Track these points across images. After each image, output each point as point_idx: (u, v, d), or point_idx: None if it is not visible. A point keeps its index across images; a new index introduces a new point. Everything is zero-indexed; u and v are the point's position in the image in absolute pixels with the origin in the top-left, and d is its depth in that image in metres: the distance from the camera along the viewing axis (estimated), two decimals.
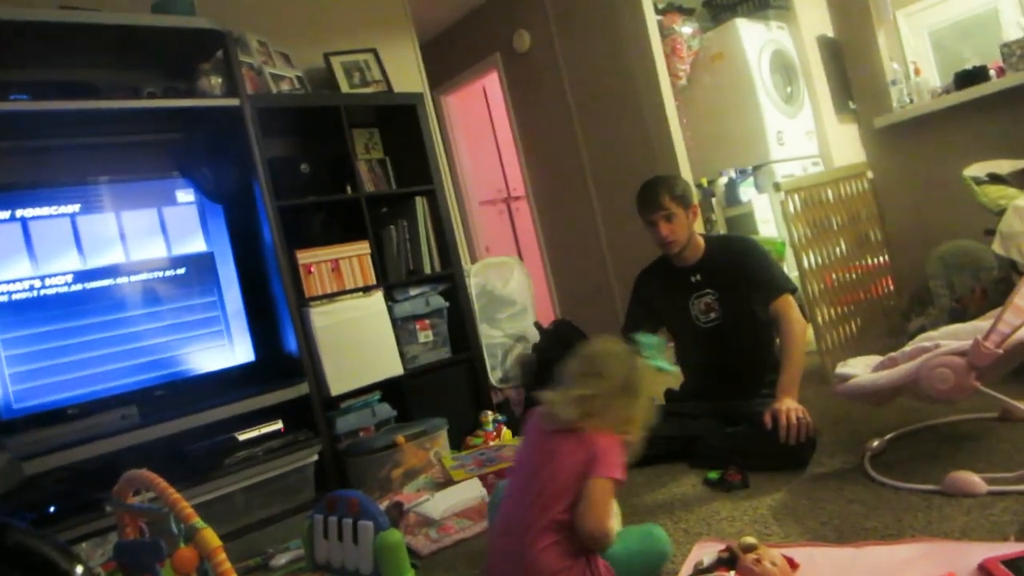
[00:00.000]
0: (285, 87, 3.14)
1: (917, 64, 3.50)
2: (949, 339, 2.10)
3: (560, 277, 5.10)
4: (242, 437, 2.70)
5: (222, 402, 2.63)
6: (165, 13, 2.68)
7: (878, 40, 3.37)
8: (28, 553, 1.03)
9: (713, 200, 4.61)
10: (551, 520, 1.56)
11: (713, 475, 2.27)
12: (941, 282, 3.24)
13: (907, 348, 2.10)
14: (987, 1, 5.54)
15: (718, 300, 2.59)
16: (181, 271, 2.89)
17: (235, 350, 2.96)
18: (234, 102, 2.80)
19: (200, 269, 2.93)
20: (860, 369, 2.21)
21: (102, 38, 2.54)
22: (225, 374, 2.92)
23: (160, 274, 2.84)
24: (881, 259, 3.51)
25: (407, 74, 3.79)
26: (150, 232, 2.84)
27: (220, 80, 2.80)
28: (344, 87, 3.31)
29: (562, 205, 4.95)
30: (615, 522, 1.64)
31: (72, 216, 2.68)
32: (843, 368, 2.23)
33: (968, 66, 3.23)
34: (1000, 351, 1.76)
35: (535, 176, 5.09)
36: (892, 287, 3.53)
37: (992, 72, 3.06)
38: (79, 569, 1.04)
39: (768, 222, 4.56)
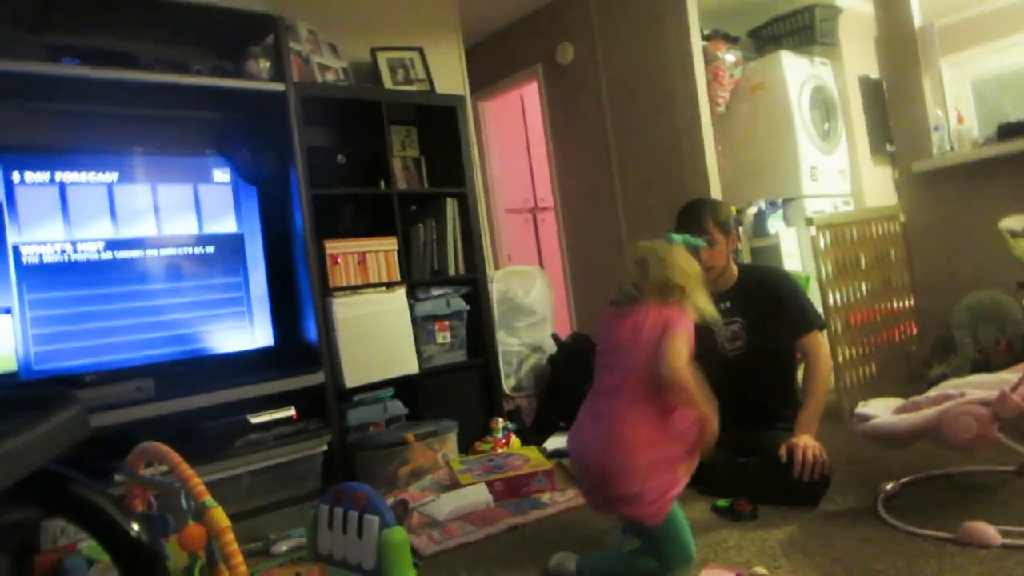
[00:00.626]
0: (330, 77, 3.17)
1: (960, 112, 3.48)
2: (974, 388, 2.08)
3: (580, 292, 5.09)
4: (254, 420, 2.70)
5: (237, 383, 2.65)
6: None
7: (924, 85, 3.35)
8: (89, 507, 1.04)
9: (740, 229, 4.60)
10: (640, 389, 1.77)
11: (723, 503, 2.26)
12: (966, 332, 3.22)
13: (932, 393, 2.09)
14: None
15: (745, 329, 2.57)
16: (210, 249, 2.91)
17: (255, 333, 2.98)
18: (280, 87, 2.83)
19: (229, 249, 2.95)
20: (881, 410, 2.19)
21: (159, 13, 2.58)
22: (243, 356, 2.93)
23: (189, 250, 2.87)
24: (906, 303, 3.48)
25: (450, 75, 3.82)
26: (183, 208, 2.87)
27: (268, 64, 2.82)
28: (387, 83, 3.34)
29: (589, 221, 4.95)
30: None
31: (109, 185, 2.71)
32: (864, 408, 2.21)
33: (1012, 119, 3.21)
34: None
35: (564, 189, 5.09)
36: (914, 332, 3.50)
37: None
38: (136, 527, 1.06)
39: (794, 256, 4.54)
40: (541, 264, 5.65)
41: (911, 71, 3.39)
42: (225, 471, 2.55)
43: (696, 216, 2.56)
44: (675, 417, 1.79)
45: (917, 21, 3.39)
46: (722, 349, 2.60)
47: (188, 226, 2.87)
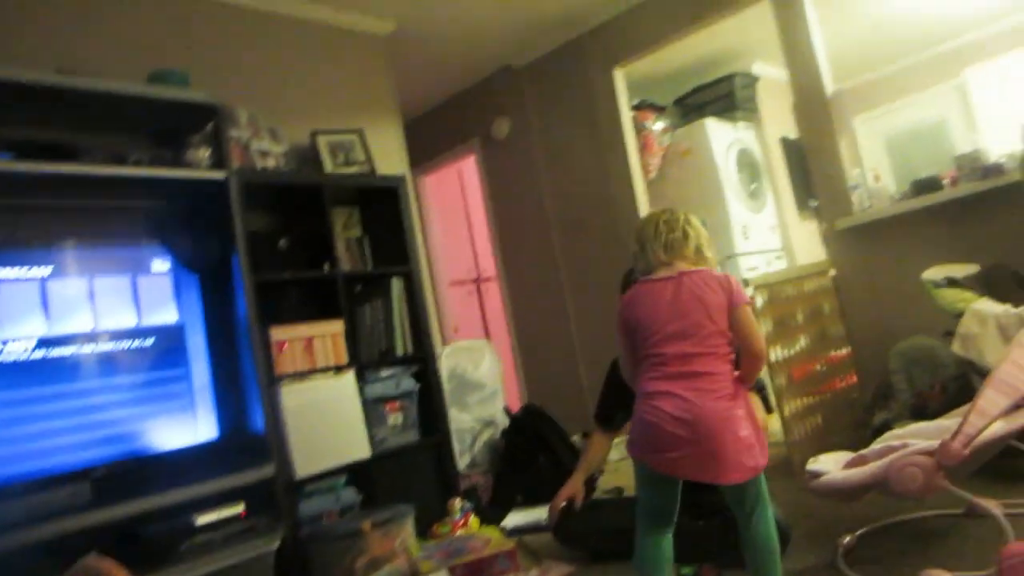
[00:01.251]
0: (271, 162, 3.18)
1: (876, 171, 3.68)
2: (916, 437, 2.15)
3: (528, 361, 5.11)
4: (200, 521, 2.58)
5: (181, 484, 2.53)
6: (162, 83, 2.71)
7: (839, 147, 3.54)
8: None
9: None
10: (722, 350, 1.74)
11: (687, 570, 2.25)
12: (902, 377, 3.33)
13: (876, 446, 2.15)
14: (937, 112, 5.93)
15: None
16: (149, 342, 2.83)
17: (198, 427, 2.89)
18: (220, 175, 2.81)
19: (169, 341, 2.88)
20: (831, 466, 2.24)
21: (96, 103, 2.56)
22: (187, 452, 2.82)
23: (127, 344, 2.78)
24: (844, 352, 3.60)
25: (390, 155, 3.87)
26: (121, 300, 2.79)
27: (208, 152, 2.82)
28: (328, 166, 3.36)
29: (533, 289, 5.01)
30: None
31: (42, 280, 2.63)
32: (814, 464, 2.26)
33: (922, 175, 3.41)
34: (966, 452, 1.81)
35: (507, 259, 5.16)
36: (854, 381, 3.61)
37: (945, 182, 3.23)
38: None
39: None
40: (487, 334, 5.67)
41: (827, 134, 3.59)
42: None
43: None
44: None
45: (829, 88, 3.60)
46: None
47: (126, 319, 2.79)
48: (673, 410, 1.69)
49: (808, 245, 5.32)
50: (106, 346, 2.72)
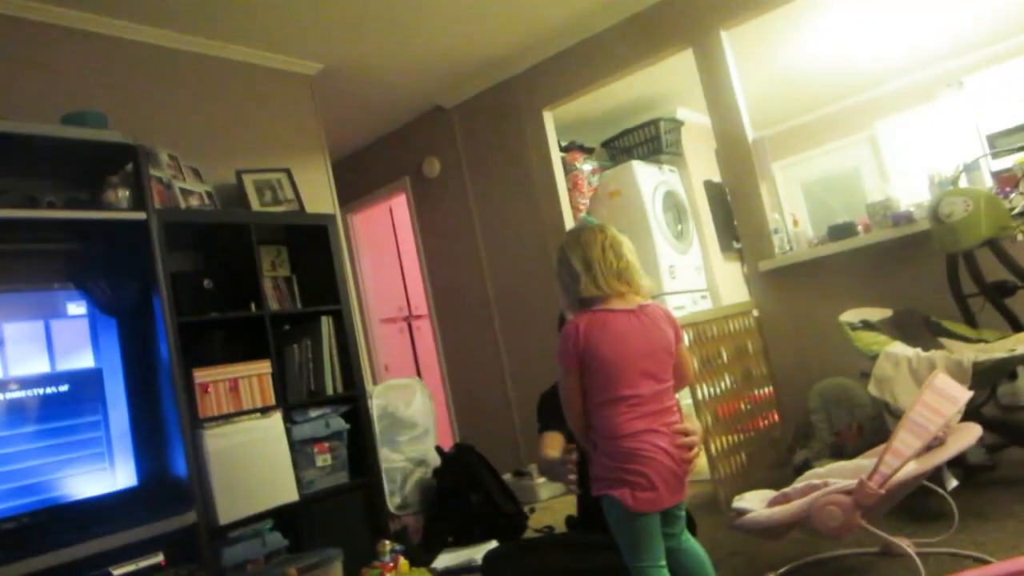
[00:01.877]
0: (194, 202, 3.11)
1: (796, 216, 3.84)
2: (836, 476, 2.23)
3: (460, 399, 5.09)
4: (117, 572, 2.47)
5: (98, 534, 2.42)
6: (77, 125, 2.64)
7: (760, 191, 3.69)
8: None
9: None
10: (673, 390, 1.80)
11: None
12: (821, 416, 3.45)
13: (798, 484, 2.21)
14: (851, 160, 6.26)
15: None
16: (64, 388, 2.71)
17: (116, 475, 2.76)
18: (140, 216, 2.73)
19: (85, 386, 2.76)
20: (756, 504, 2.29)
21: (8, 146, 2.47)
22: (103, 501, 2.69)
23: (39, 391, 2.65)
24: (767, 391, 3.71)
25: (318, 193, 3.84)
26: (33, 346, 2.67)
27: (127, 193, 2.74)
28: (255, 204, 3.31)
29: (464, 326, 5.01)
30: None
31: None
32: (739, 503, 2.31)
33: (838, 220, 3.58)
34: (882, 491, 1.88)
35: (439, 297, 5.16)
36: (777, 419, 3.72)
37: (860, 228, 3.40)
38: None
39: None
40: (418, 371, 5.63)
41: (749, 179, 3.73)
42: None
43: None
44: None
45: (750, 134, 3.76)
46: None
47: (38, 365, 2.67)
48: (666, 445, 1.71)
49: (732, 285, 5.49)
50: (17, 393, 2.59)
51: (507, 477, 3.90)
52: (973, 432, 2.03)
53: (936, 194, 2.99)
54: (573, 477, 2.17)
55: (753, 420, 3.57)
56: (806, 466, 3.26)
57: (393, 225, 5.85)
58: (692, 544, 1.83)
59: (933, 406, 1.94)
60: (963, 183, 3.20)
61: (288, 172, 3.50)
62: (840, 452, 3.24)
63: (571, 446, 2.40)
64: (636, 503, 1.69)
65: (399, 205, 5.51)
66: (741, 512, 2.23)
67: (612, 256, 1.77)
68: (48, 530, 2.50)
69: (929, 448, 1.97)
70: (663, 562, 1.75)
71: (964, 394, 2.00)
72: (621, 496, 1.69)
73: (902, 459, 1.88)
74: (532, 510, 3.87)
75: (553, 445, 2.46)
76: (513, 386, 4.71)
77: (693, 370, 1.86)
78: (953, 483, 2.09)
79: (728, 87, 3.78)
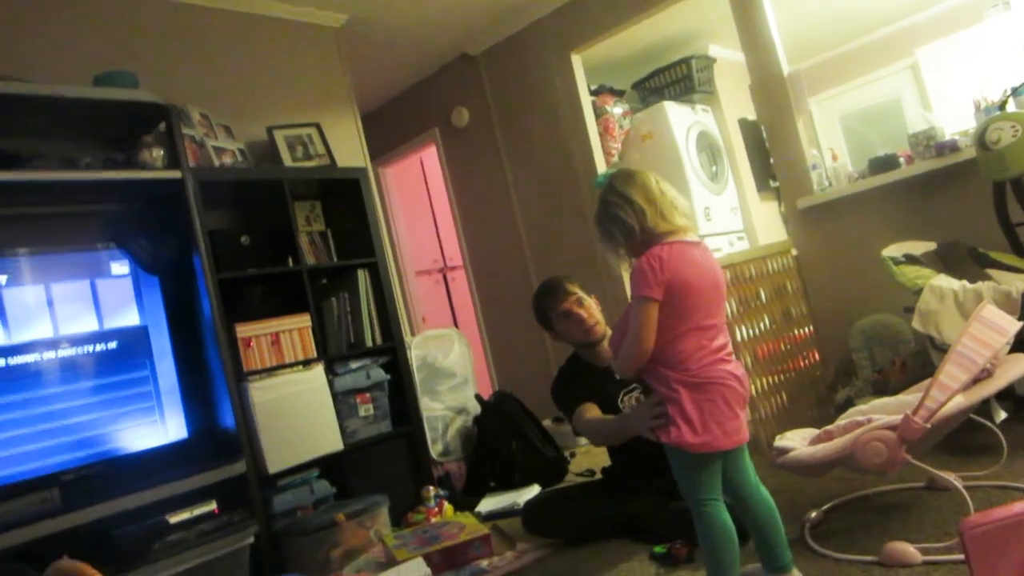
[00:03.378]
0: (227, 159, 3.13)
1: (834, 150, 3.74)
2: (879, 412, 2.21)
3: (497, 347, 5.12)
4: (173, 520, 2.58)
5: (151, 484, 2.51)
6: (108, 85, 2.65)
7: (798, 127, 3.59)
8: None
9: None
10: None
11: (659, 549, 2.29)
12: (863, 354, 3.41)
13: (841, 422, 2.19)
14: (891, 91, 6.04)
15: (644, 393, 2.56)
16: (112, 345, 2.79)
17: (167, 427, 2.86)
18: (176, 175, 2.77)
19: (133, 343, 2.84)
20: (797, 442, 2.28)
21: (43, 109, 2.50)
22: (156, 452, 2.80)
23: (89, 349, 2.74)
24: (807, 331, 3.66)
25: (349, 147, 3.84)
26: (81, 305, 2.75)
27: (162, 152, 2.77)
28: (287, 160, 3.32)
29: (499, 276, 5.02)
30: None
31: None
32: (781, 441, 2.30)
33: (879, 153, 3.48)
34: (928, 425, 1.86)
35: (472, 247, 5.15)
36: (818, 358, 3.68)
37: (902, 160, 3.30)
38: None
39: None
40: (455, 322, 5.67)
41: (785, 115, 3.63)
42: None
43: (556, 285, 2.60)
44: None
45: (785, 68, 3.64)
46: None
47: (87, 323, 2.75)
48: (739, 373, 1.77)
49: (769, 225, 5.39)
50: (69, 352, 2.68)
51: (547, 423, 3.93)
52: (1022, 364, 1.99)
53: (982, 120, 2.88)
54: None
55: (793, 360, 3.54)
56: (848, 404, 3.24)
57: (425, 177, 5.83)
58: (763, 492, 1.85)
59: (981, 338, 1.89)
60: (1011, 107, 3.07)
61: (318, 127, 3.49)
62: (883, 389, 3.20)
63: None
64: (711, 444, 1.72)
65: (429, 157, 5.48)
66: (783, 451, 2.22)
67: (670, 195, 1.79)
68: (105, 482, 2.60)
69: (976, 381, 1.93)
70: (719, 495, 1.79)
71: (1013, 325, 1.95)
72: (692, 441, 1.71)
73: (948, 393, 1.85)
74: (572, 455, 3.91)
75: (595, 412, 2.50)
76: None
77: None
78: (1002, 415, 2.06)
79: (762, 20, 3.66)
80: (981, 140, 2.76)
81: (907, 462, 1.96)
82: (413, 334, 4.16)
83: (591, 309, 2.55)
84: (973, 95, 3.35)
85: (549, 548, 2.60)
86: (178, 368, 2.90)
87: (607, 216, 1.83)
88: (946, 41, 5.43)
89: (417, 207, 5.80)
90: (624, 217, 1.77)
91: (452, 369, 3.74)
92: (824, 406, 3.51)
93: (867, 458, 1.96)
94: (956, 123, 3.75)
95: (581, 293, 2.56)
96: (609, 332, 2.58)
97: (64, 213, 2.82)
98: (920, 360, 3.20)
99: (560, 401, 2.64)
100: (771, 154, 3.80)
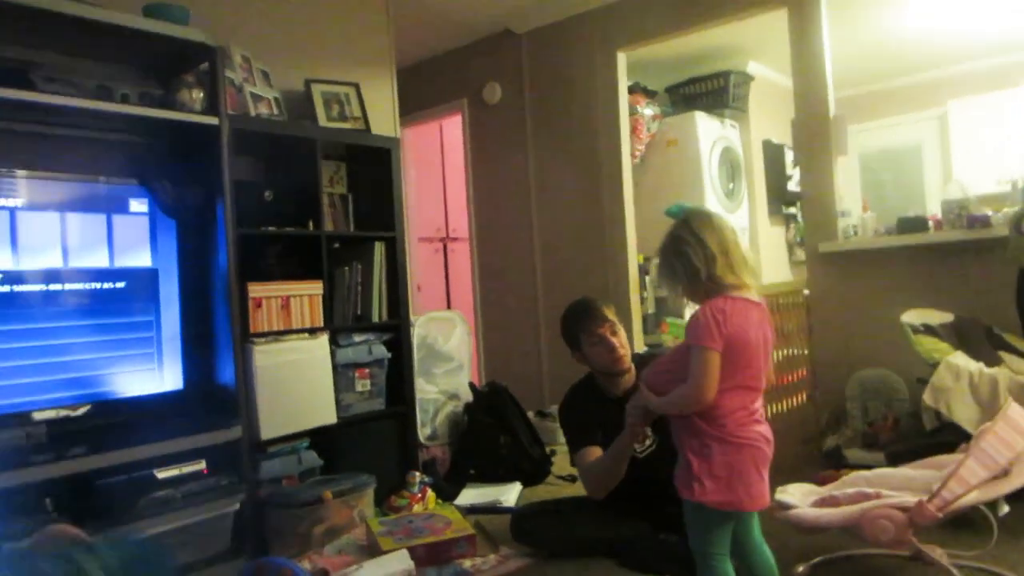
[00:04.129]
0: (263, 108, 3.03)
1: (866, 201, 3.74)
2: (882, 484, 2.24)
3: (490, 328, 5.10)
4: (161, 475, 2.52)
5: (145, 440, 2.45)
6: (159, 17, 2.53)
7: (834, 171, 3.58)
8: None
9: (647, 279, 4.76)
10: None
11: None
12: (857, 404, 3.46)
13: (848, 490, 2.22)
14: (914, 137, 6.07)
15: (652, 427, 2.51)
16: (120, 285, 2.70)
17: (164, 376, 2.79)
18: (213, 121, 2.66)
19: (141, 285, 2.75)
20: (799, 498, 2.31)
21: (87, 31, 2.38)
22: (149, 399, 2.73)
23: (96, 285, 2.65)
24: (801, 372, 3.70)
25: (382, 112, 3.73)
26: (95, 239, 2.65)
27: (202, 95, 2.66)
28: (322, 119, 3.22)
29: (504, 257, 4.97)
30: None
31: (12, 210, 2.47)
32: (783, 496, 2.32)
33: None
34: (941, 516, 1.89)
35: (481, 224, 5.09)
36: (806, 399, 3.72)
37: (931, 224, 3.31)
38: None
39: (695, 307, 4.75)
40: (448, 294, 5.63)
41: (823, 156, 3.61)
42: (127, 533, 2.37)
43: (596, 307, 2.56)
44: None
45: (832, 108, 3.62)
46: (634, 452, 2.52)
47: (98, 259, 2.65)
48: (766, 432, 1.78)
49: (774, 250, 5.42)
50: (75, 285, 2.59)
51: (529, 415, 3.93)
52: None
53: (1022, 206, 2.89)
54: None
55: (786, 399, 3.58)
56: (837, 452, 3.30)
57: (441, 144, 5.73)
58: (766, 551, 1.85)
59: (1005, 438, 1.92)
60: None
61: (357, 88, 3.38)
62: (872, 443, 3.26)
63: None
64: (747, 502, 1.73)
65: (450, 125, 5.38)
66: (785, 506, 2.25)
67: (742, 248, 1.76)
68: (95, 421, 2.54)
69: (993, 477, 1.96)
70: (727, 551, 1.80)
71: None
72: (717, 499, 1.71)
73: (966, 488, 1.88)
74: (553, 452, 3.93)
75: (597, 454, 2.52)
76: (546, 324, 4.69)
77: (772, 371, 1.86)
78: (1005, 509, 2.10)
79: (818, 54, 3.61)
80: (1017, 224, 2.78)
81: (911, 542, 2.00)
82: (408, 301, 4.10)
83: (623, 338, 2.53)
84: (1006, 165, 3.35)
85: (532, 557, 2.61)
86: (183, 318, 2.82)
87: (674, 252, 1.79)
88: (980, 98, 5.45)
89: (428, 172, 5.71)
90: (693, 258, 1.73)
91: (451, 353, 3.72)
92: (807, 445, 3.56)
93: (874, 534, 1.99)
94: (977, 183, 3.78)
95: (615, 320, 2.54)
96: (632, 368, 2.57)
97: (88, 139, 2.70)
98: (911, 422, 3.26)
99: (567, 428, 2.66)
100: (801, 190, 3.78)
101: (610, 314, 2.56)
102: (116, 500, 2.41)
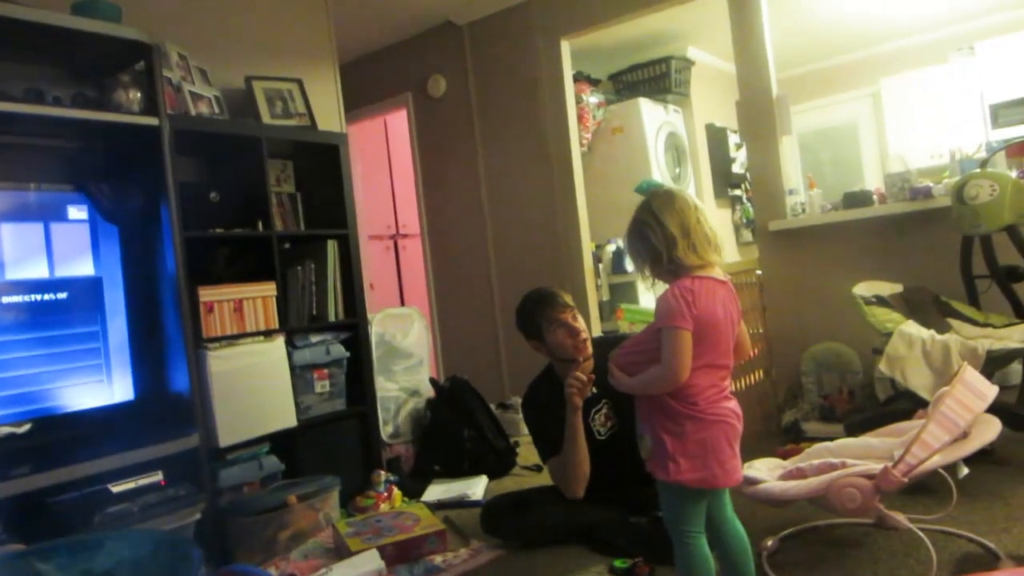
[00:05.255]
0: (203, 107, 2.93)
1: (812, 178, 3.81)
2: (847, 455, 2.28)
3: (446, 323, 5.06)
4: (116, 489, 2.43)
5: (99, 454, 2.35)
6: (88, 15, 2.42)
7: (780, 150, 3.64)
8: None
9: (600, 266, 4.78)
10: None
11: (620, 564, 2.31)
12: (812, 379, 3.53)
13: (814, 461, 2.25)
14: (850, 116, 6.22)
15: (613, 409, 2.59)
16: (62, 296, 2.59)
17: (113, 387, 2.69)
18: (153, 122, 2.56)
19: (84, 295, 2.64)
20: (765, 473, 2.34)
21: (12, 31, 2.26)
22: (100, 412, 2.63)
23: (37, 297, 2.53)
24: (755, 350, 3.76)
25: (327, 108, 3.65)
26: (32, 249, 2.53)
27: (139, 95, 2.56)
28: (265, 116, 3.13)
29: (457, 251, 4.94)
30: None
31: None
32: (749, 471, 2.35)
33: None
34: (906, 480, 1.93)
35: (433, 219, 5.05)
36: (765, 377, 3.79)
37: (875, 198, 3.39)
38: None
39: (649, 293, 4.79)
40: (401, 291, 5.57)
41: (769, 136, 3.67)
42: None
43: (553, 294, 2.56)
44: None
45: (775, 89, 3.68)
46: (597, 435, 2.57)
47: (37, 269, 2.54)
48: (735, 408, 1.79)
49: (721, 233, 5.47)
50: (13, 298, 2.47)
51: (492, 407, 3.91)
52: (994, 427, 2.08)
53: (962, 174, 2.98)
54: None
55: (744, 377, 3.64)
56: (795, 426, 3.36)
57: (387, 140, 5.66)
58: (738, 526, 1.86)
59: (964, 401, 1.97)
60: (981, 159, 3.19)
61: (300, 84, 3.31)
62: (828, 415, 3.34)
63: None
64: (706, 480, 1.73)
65: (395, 120, 5.31)
66: (753, 481, 2.28)
67: (706, 226, 1.74)
68: (44, 438, 2.44)
69: (954, 440, 2.01)
70: (703, 528, 1.81)
71: (991, 390, 2.04)
72: (690, 478, 1.72)
73: (929, 451, 1.92)
74: (516, 443, 3.91)
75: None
76: (503, 315, 4.68)
77: (750, 344, 1.88)
78: (964, 471, 2.16)
79: (759, 37, 3.67)
80: (959, 194, 2.86)
81: (877, 509, 2.04)
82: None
83: (583, 324, 2.52)
84: (937, 139, 3.45)
85: (504, 549, 2.60)
86: (130, 326, 2.72)
87: (637, 234, 1.79)
88: (910, 75, 5.61)
89: (375, 169, 5.63)
90: (653, 240, 1.73)
91: (410, 350, 3.67)
92: (767, 422, 3.63)
93: (841, 502, 2.02)
94: (912, 158, 3.90)
95: (574, 306, 2.54)
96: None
97: (19, 144, 2.58)
98: (866, 392, 3.34)
99: (533, 432, 2.69)
100: (749, 171, 3.84)
101: (569, 299, 2.55)
102: (69, 517, 2.31)
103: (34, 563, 1.38)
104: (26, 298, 2.50)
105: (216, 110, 3.00)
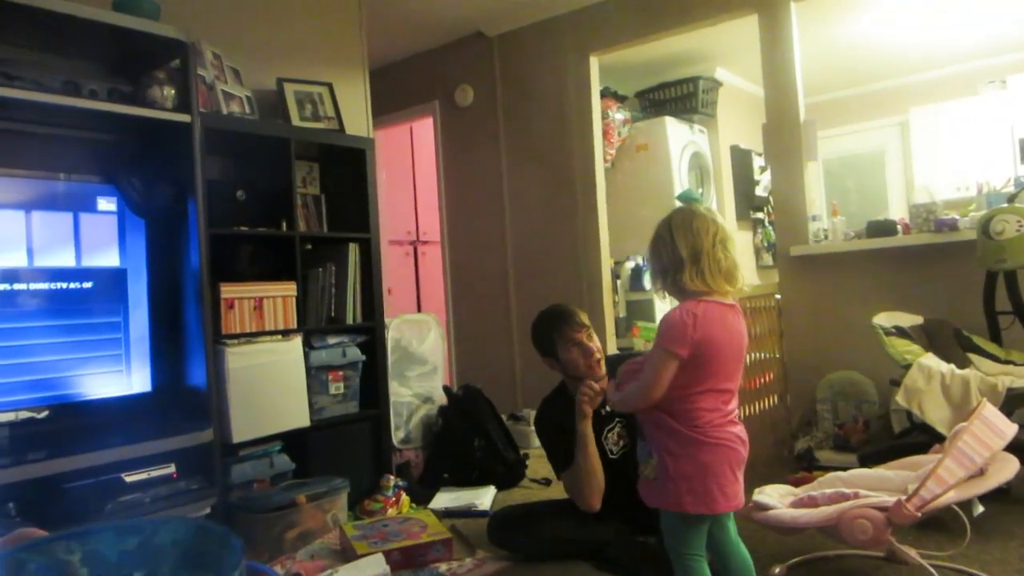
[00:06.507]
0: (235, 107, 2.97)
1: (836, 205, 3.79)
2: (859, 486, 2.26)
3: (462, 331, 5.07)
4: (129, 479, 2.45)
5: (115, 444, 2.39)
6: (128, 11, 2.46)
7: (804, 175, 3.62)
8: None
9: (618, 282, 4.77)
10: None
11: None
12: (827, 407, 3.51)
13: (827, 490, 2.23)
14: (877, 144, 6.19)
15: (626, 427, 2.57)
16: (87, 285, 2.63)
17: (132, 378, 2.72)
18: (185, 119, 2.60)
19: (109, 285, 2.68)
20: (776, 499, 2.32)
21: (50, 24, 2.31)
22: (116, 402, 2.67)
23: (63, 285, 2.57)
24: (773, 374, 3.73)
25: (355, 113, 3.69)
26: (61, 238, 2.57)
27: (173, 92, 2.59)
28: (295, 118, 3.17)
29: (476, 260, 4.95)
30: None
31: None
32: (760, 496, 2.34)
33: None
34: (919, 515, 1.92)
35: (454, 228, 5.07)
36: (778, 401, 3.76)
37: (899, 228, 3.37)
38: None
39: (666, 311, 4.78)
40: (419, 297, 5.59)
41: (794, 160, 3.66)
42: None
43: (571, 312, 2.55)
44: None
45: (802, 114, 3.67)
46: (610, 454, 2.56)
47: (65, 258, 2.58)
48: (741, 433, 1.77)
49: (741, 256, 5.46)
50: (40, 285, 2.51)
51: (503, 418, 3.91)
52: (1012, 465, 2.06)
53: (990, 209, 2.96)
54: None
55: (758, 401, 3.61)
56: (808, 453, 3.33)
57: (412, 147, 5.69)
58: (743, 550, 1.85)
59: (982, 438, 1.95)
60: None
61: (330, 87, 3.34)
62: (843, 445, 3.31)
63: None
64: (723, 503, 1.73)
65: (421, 127, 5.35)
66: (763, 506, 2.26)
67: (721, 252, 1.70)
68: (60, 425, 2.47)
69: (970, 476, 1.99)
70: (704, 552, 1.80)
71: (1011, 428, 2.02)
72: (694, 508, 1.72)
73: (944, 487, 1.90)
74: (526, 455, 3.91)
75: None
76: (519, 327, 4.68)
77: None
78: (980, 509, 2.13)
79: (789, 62, 3.67)
80: (985, 228, 2.84)
81: (888, 542, 2.02)
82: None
83: (598, 344, 2.52)
84: (964, 171, 3.43)
85: (509, 561, 2.59)
86: (151, 319, 2.76)
87: (651, 247, 1.80)
88: (941, 106, 5.58)
89: (398, 175, 5.67)
90: (663, 258, 1.74)
91: (425, 356, 3.68)
92: (780, 448, 3.60)
93: (852, 534, 2.00)
94: (937, 189, 3.87)
95: (590, 325, 2.54)
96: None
97: (55, 136, 2.62)
98: (881, 423, 3.31)
99: (547, 448, 2.68)
100: (772, 195, 3.83)
101: (585, 318, 2.55)
102: (83, 504, 2.34)
103: (74, 546, 1.40)
104: (52, 286, 2.54)
105: (247, 110, 3.04)
